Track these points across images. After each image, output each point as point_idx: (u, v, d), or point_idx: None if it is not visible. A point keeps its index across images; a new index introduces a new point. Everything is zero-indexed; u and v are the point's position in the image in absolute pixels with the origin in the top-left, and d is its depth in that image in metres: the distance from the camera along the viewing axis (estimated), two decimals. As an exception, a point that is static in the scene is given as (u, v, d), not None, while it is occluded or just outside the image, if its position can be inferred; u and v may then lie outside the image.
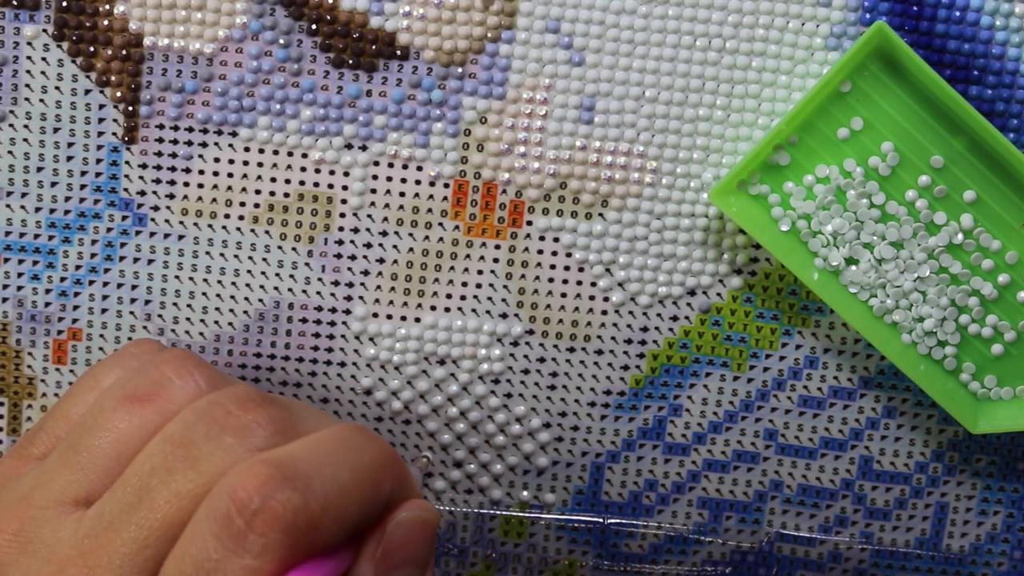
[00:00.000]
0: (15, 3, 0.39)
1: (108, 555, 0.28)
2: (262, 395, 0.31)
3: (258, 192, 0.41)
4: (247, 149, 0.40)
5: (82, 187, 0.40)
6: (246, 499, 0.27)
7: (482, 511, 0.43)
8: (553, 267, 0.41)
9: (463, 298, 0.41)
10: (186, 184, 0.40)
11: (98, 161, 0.40)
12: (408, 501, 0.31)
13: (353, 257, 0.41)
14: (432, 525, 0.31)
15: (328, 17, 0.39)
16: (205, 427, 0.30)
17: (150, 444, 0.30)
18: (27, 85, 0.40)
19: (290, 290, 0.41)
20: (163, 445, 0.30)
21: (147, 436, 0.30)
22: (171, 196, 0.41)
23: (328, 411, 0.42)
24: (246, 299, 0.41)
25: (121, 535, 0.28)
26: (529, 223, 0.41)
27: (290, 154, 0.40)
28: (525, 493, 0.43)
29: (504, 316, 0.42)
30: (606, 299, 0.42)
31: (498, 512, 0.43)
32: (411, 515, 0.31)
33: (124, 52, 0.40)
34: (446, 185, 0.41)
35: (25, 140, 0.40)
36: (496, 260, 0.41)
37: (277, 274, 0.41)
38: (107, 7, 0.39)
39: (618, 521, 0.43)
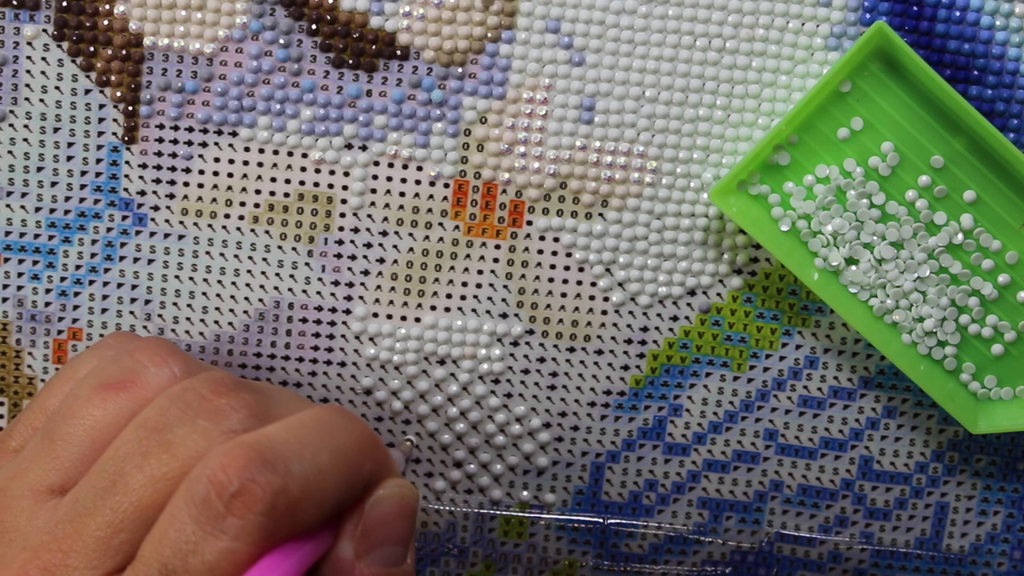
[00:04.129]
0: (15, 3, 0.39)
1: (83, 540, 0.28)
2: (236, 380, 0.31)
3: (258, 192, 0.41)
4: (247, 149, 0.40)
5: (82, 187, 0.40)
6: (225, 481, 0.27)
7: (482, 511, 0.43)
8: (553, 267, 0.41)
9: (463, 298, 0.41)
10: (186, 184, 0.40)
11: (98, 161, 0.40)
12: (387, 480, 0.31)
13: (353, 257, 0.41)
14: (411, 502, 0.31)
15: (328, 17, 0.39)
16: (179, 411, 0.30)
17: (125, 430, 0.30)
18: (27, 85, 0.40)
19: (290, 290, 0.41)
20: (137, 430, 0.30)
21: (122, 423, 0.31)
22: (171, 196, 0.41)
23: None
24: (246, 299, 0.41)
25: (95, 519, 0.28)
26: (529, 223, 0.41)
27: (290, 154, 0.40)
28: (525, 493, 0.43)
29: (504, 316, 0.42)
30: (606, 299, 0.42)
31: (498, 512, 0.43)
32: (389, 492, 0.31)
33: (124, 52, 0.40)
34: (446, 185, 0.41)
35: (25, 140, 0.40)
36: (496, 260, 0.41)
37: (277, 274, 0.41)
38: (107, 7, 0.39)
39: (618, 521, 0.43)
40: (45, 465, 0.30)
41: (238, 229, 0.41)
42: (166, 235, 0.41)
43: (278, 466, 0.28)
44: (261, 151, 0.40)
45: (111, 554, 0.28)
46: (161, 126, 0.40)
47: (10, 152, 0.40)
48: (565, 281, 0.41)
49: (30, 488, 0.30)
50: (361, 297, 0.41)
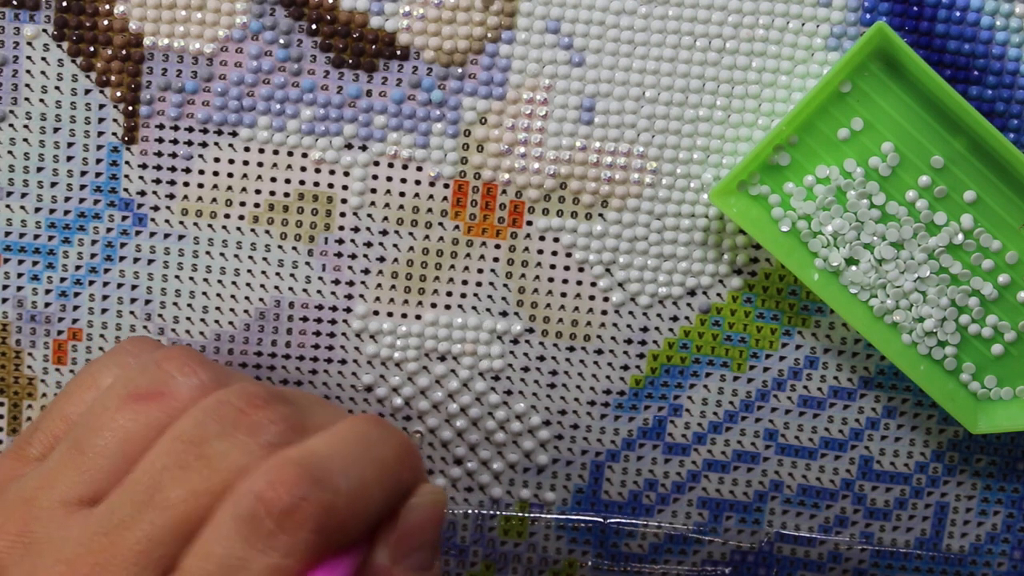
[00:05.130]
0: (15, 3, 0.39)
1: (120, 553, 0.28)
2: (270, 390, 0.31)
3: (258, 192, 0.41)
4: (247, 149, 0.40)
5: (82, 187, 0.40)
6: (275, 499, 0.27)
7: (482, 511, 0.43)
8: (553, 267, 0.41)
9: (463, 296, 0.41)
10: (186, 184, 0.40)
11: (98, 161, 0.40)
12: (421, 486, 0.31)
13: (353, 256, 0.41)
14: (442, 507, 0.32)
15: (328, 17, 0.39)
16: (217, 425, 0.30)
17: (160, 442, 0.30)
18: (27, 85, 0.40)
19: (291, 289, 0.41)
20: (174, 443, 0.29)
21: (153, 435, 0.30)
22: (171, 196, 0.41)
23: (328, 411, 0.42)
24: (246, 299, 0.41)
25: (133, 532, 0.28)
26: (529, 223, 0.41)
27: (290, 154, 0.40)
28: (525, 491, 0.43)
29: (504, 314, 0.42)
30: (606, 299, 0.42)
31: (498, 512, 0.43)
32: (424, 499, 0.31)
33: (124, 52, 0.40)
34: (446, 185, 0.41)
35: (25, 140, 0.40)
36: (496, 260, 0.41)
37: (277, 274, 0.41)
38: (107, 7, 0.39)
39: (618, 521, 0.43)
40: (75, 476, 0.30)
41: (238, 229, 0.41)
42: (166, 235, 0.41)
43: (327, 483, 0.28)
44: (261, 151, 0.40)
45: (150, 568, 0.28)
46: (161, 126, 0.40)
47: (10, 152, 0.40)
48: (565, 281, 0.41)
49: (60, 499, 0.30)
50: (361, 296, 0.41)
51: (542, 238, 0.41)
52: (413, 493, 0.31)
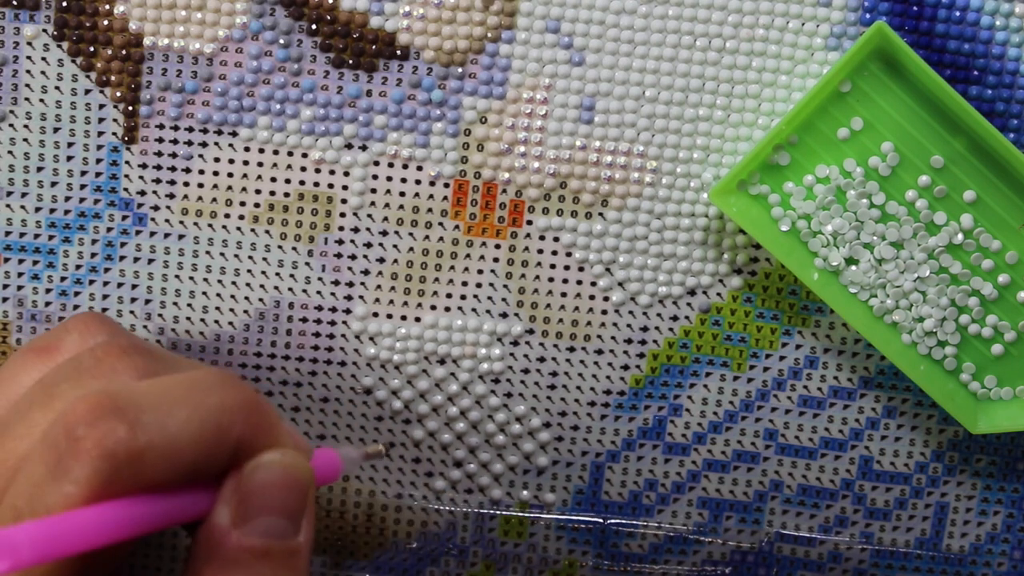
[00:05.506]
0: (15, 3, 0.39)
1: None
2: (139, 346, 0.31)
3: (258, 192, 0.41)
4: (247, 149, 0.40)
5: (82, 187, 0.40)
6: (72, 426, 0.27)
7: (482, 511, 0.43)
8: (553, 267, 0.41)
9: (463, 297, 0.41)
10: (186, 184, 0.40)
11: (98, 161, 0.40)
12: (272, 449, 0.30)
13: (353, 256, 0.41)
14: (298, 475, 0.30)
15: (328, 17, 0.39)
16: (73, 371, 0.30)
17: (28, 389, 0.31)
18: (27, 85, 0.40)
19: (290, 290, 0.41)
20: (33, 388, 0.30)
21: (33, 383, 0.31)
22: (171, 196, 0.41)
23: (329, 410, 0.42)
24: (246, 299, 0.41)
25: None
26: (529, 223, 0.41)
27: (290, 154, 0.40)
28: (525, 492, 0.43)
29: (504, 316, 0.42)
30: (606, 299, 0.42)
31: (498, 512, 0.43)
32: (271, 460, 0.30)
33: (124, 52, 0.40)
34: (446, 185, 0.41)
35: (25, 140, 0.40)
36: (496, 260, 0.41)
37: (277, 274, 0.41)
38: (107, 7, 0.39)
39: (618, 521, 0.43)
40: None
41: (238, 229, 0.41)
42: (166, 235, 0.41)
43: (127, 415, 0.27)
44: (261, 151, 0.40)
45: None
46: (161, 126, 0.40)
47: (10, 152, 0.40)
48: (565, 281, 0.41)
49: None
50: (361, 297, 0.41)
51: (542, 237, 0.41)
52: (264, 454, 0.30)
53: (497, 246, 0.41)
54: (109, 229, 0.41)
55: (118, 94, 0.40)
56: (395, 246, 0.41)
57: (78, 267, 0.41)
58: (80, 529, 0.26)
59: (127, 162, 0.40)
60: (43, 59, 0.40)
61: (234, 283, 0.41)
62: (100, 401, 0.27)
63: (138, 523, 0.27)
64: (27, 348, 0.33)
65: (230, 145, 0.40)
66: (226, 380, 0.30)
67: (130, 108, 0.40)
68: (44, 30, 0.39)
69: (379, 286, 0.41)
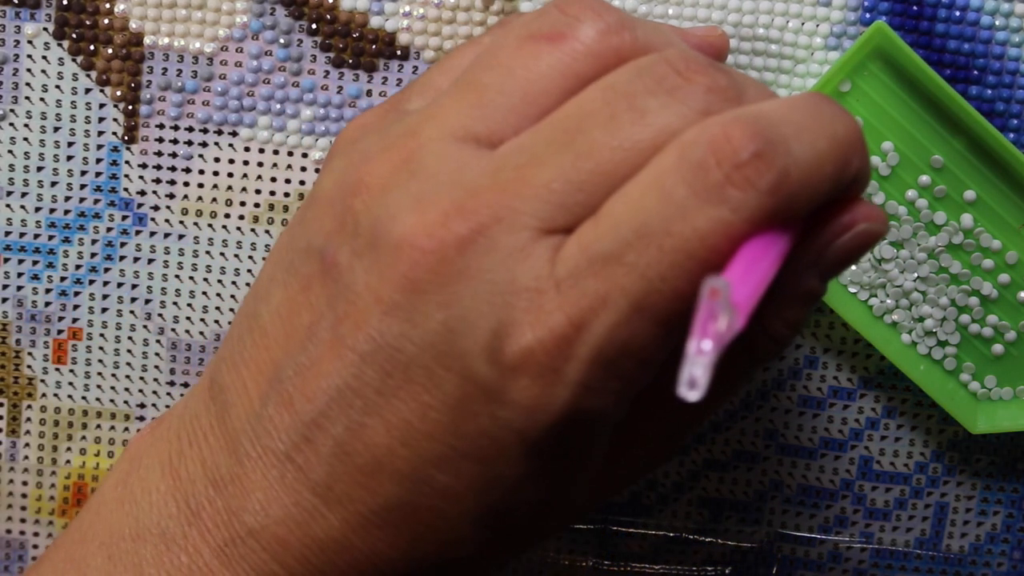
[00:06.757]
0: (15, 2, 0.39)
1: (531, 188, 0.26)
2: (707, 58, 0.28)
3: (258, 192, 0.41)
4: (247, 149, 0.40)
5: (82, 187, 0.40)
6: (729, 150, 0.25)
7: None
8: (553, 267, 0.41)
9: (463, 298, 0.41)
10: (186, 184, 0.40)
11: (98, 161, 0.40)
12: (862, 206, 0.28)
13: (353, 257, 0.41)
14: (878, 237, 0.28)
15: (328, 17, 0.39)
16: (652, 82, 0.27)
17: (587, 90, 0.27)
18: (27, 84, 0.40)
19: (290, 290, 0.41)
20: (604, 91, 0.27)
21: (557, 79, 0.28)
22: (171, 196, 0.41)
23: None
24: (246, 299, 0.41)
25: (549, 170, 0.26)
26: (529, 223, 0.41)
27: (290, 154, 0.40)
28: (525, 493, 0.43)
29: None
30: (606, 299, 0.41)
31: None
32: (868, 228, 0.28)
33: (124, 51, 0.40)
34: (446, 185, 0.41)
35: (25, 140, 0.40)
36: (496, 260, 0.41)
37: (277, 274, 0.41)
38: (107, 6, 0.39)
39: (618, 521, 0.43)
40: (468, 111, 0.27)
41: (238, 229, 0.41)
42: (166, 235, 0.41)
43: (781, 146, 0.25)
44: (261, 151, 0.40)
45: (564, 209, 0.26)
46: (161, 126, 0.40)
47: (10, 152, 0.40)
48: (565, 281, 0.41)
49: (450, 132, 0.27)
50: (361, 297, 0.41)
51: (542, 238, 0.41)
52: (859, 214, 0.28)
53: (497, 246, 0.41)
54: (109, 229, 0.41)
55: (118, 93, 0.40)
56: (395, 246, 0.41)
57: (78, 267, 0.41)
58: (758, 269, 0.25)
59: (127, 162, 0.40)
60: (43, 58, 0.40)
61: (234, 283, 0.41)
62: (753, 127, 0.25)
63: (777, 264, 0.26)
64: (522, 34, 0.28)
65: (230, 145, 0.40)
66: (836, 106, 0.27)
67: (130, 108, 0.40)
68: (44, 29, 0.39)
69: (379, 286, 0.41)
